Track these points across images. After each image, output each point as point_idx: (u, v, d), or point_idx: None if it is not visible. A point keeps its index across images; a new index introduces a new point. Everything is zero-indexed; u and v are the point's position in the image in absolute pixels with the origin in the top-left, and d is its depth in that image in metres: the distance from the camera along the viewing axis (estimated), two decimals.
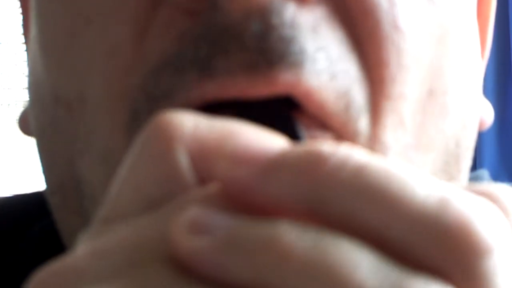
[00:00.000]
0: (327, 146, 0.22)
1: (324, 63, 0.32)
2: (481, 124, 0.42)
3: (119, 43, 0.33)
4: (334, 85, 0.32)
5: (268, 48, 0.31)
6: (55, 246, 0.42)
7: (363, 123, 0.33)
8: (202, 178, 0.23)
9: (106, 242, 0.22)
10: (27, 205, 0.50)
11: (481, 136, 1.83)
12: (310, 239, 0.20)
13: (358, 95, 0.33)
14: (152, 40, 0.33)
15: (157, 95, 0.32)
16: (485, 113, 0.43)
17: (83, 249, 0.22)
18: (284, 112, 0.32)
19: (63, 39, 0.36)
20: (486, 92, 0.42)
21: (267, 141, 0.23)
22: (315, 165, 0.21)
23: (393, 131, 0.34)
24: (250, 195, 0.21)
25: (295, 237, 0.20)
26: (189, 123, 0.23)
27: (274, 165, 0.22)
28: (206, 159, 0.23)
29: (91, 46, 0.34)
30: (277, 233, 0.20)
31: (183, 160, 0.23)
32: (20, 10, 0.46)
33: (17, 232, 0.48)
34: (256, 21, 0.31)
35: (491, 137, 1.85)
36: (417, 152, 0.35)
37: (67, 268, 0.21)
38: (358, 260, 0.20)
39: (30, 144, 0.41)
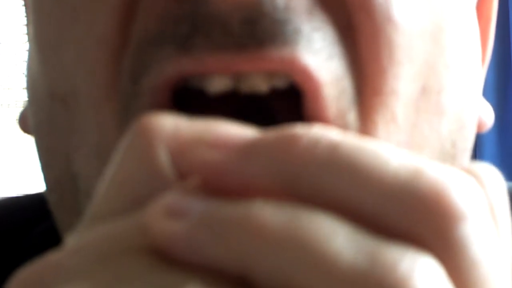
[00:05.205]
0: (300, 128, 0.22)
1: (321, 42, 0.32)
2: (481, 126, 0.42)
3: (106, 33, 0.33)
4: (331, 67, 0.32)
5: (258, 31, 0.31)
6: (58, 246, 0.42)
7: (352, 117, 0.33)
8: (183, 173, 0.23)
9: (85, 238, 0.22)
10: (31, 205, 0.50)
11: (481, 136, 1.83)
12: (284, 215, 0.21)
13: (349, 86, 0.32)
14: (136, 25, 0.33)
15: (138, 74, 0.32)
16: (484, 115, 0.42)
17: (64, 247, 0.22)
18: (269, 106, 0.32)
19: (54, 34, 0.36)
20: (486, 92, 0.42)
21: (244, 131, 0.23)
22: (289, 144, 0.21)
23: (384, 128, 0.33)
24: (226, 178, 0.22)
25: (269, 213, 0.21)
26: (170, 123, 0.23)
27: (249, 147, 0.22)
28: (185, 153, 0.23)
29: (79, 39, 0.34)
30: (251, 211, 0.21)
31: (164, 158, 0.23)
32: (22, 11, 0.46)
33: (21, 231, 0.48)
34: (244, 11, 0.31)
35: (491, 137, 1.85)
36: (411, 150, 0.34)
37: (46, 266, 0.22)
38: (333, 232, 0.20)
39: (30, 144, 0.41)
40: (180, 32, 0.31)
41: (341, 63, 0.32)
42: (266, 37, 0.31)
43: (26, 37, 0.44)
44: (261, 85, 0.32)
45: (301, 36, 0.31)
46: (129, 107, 0.33)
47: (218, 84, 0.32)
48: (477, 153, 1.84)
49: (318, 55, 0.31)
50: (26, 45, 0.43)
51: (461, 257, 0.21)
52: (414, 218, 0.21)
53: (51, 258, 0.22)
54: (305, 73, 0.31)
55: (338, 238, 0.20)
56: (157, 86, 0.32)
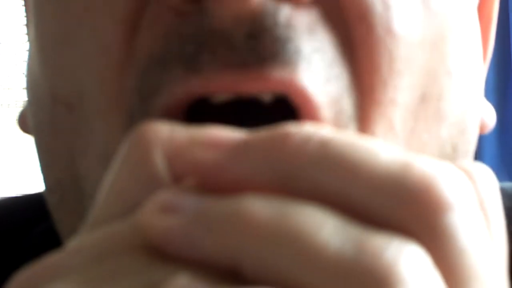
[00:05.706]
0: (292, 126, 0.22)
1: (319, 64, 0.32)
2: (482, 128, 0.42)
3: (110, 43, 0.34)
4: (328, 90, 0.32)
5: (260, 48, 0.31)
6: (58, 246, 0.42)
7: (350, 130, 0.33)
8: (179, 176, 0.24)
9: (82, 240, 0.23)
10: (31, 205, 0.50)
11: (481, 136, 1.82)
12: (273, 208, 0.21)
13: (348, 103, 0.33)
14: (141, 38, 0.33)
15: (147, 94, 0.33)
16: (486, 116, 0.42)
17: (63, 249, 0.23)
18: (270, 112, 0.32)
19: (58, 39, 0.36)
20: (486, 92, 0.41)
21: (237, 133, 0.23)
22: (281, 142, 0.22)
23: (382, 138, 0.33)
24: (220, 177, 0.22)
25: (259, 207, 0.21)
26: (165, 130, 0.24)
27: (242, 145, 0.22)
28: (180, 155, 0.23)
29: (84, 45, 0.34)
30: (241, 205, 0.21)
31: (161, 164, 0.24)
32: (22, 11, 0.46)
33: (21, 231, 0.48)
34: (247, 25, 0.31)
35: (491, 137, 1.85)
36: None
37: (44, 267, 0.22)
38: (321, 222, 0.21)
39: (30, 144, 0.41)
40: (186, 52, 0.32)
41: (340, 83, 0.32)
42: (268, 56, 0.31)
43: (26, 37, 0.44)
44: (263, 97, 0.32)
45: (301, 57, 0.31)
46: (136, 121, 0.33)
47: (221, 98, 0.32)
48: (477, 154, 1.84)
49: (317, 76, 0.32)
50: (26, 45, 0.43)
51: (447, 246, 0.21)
52: (402, 208, 0.21)
53: (49, 260, 0.22)
54: (303, 96, 0.32)
55: (326, 228, 0.21)
56: (168, 106, 0.32)
